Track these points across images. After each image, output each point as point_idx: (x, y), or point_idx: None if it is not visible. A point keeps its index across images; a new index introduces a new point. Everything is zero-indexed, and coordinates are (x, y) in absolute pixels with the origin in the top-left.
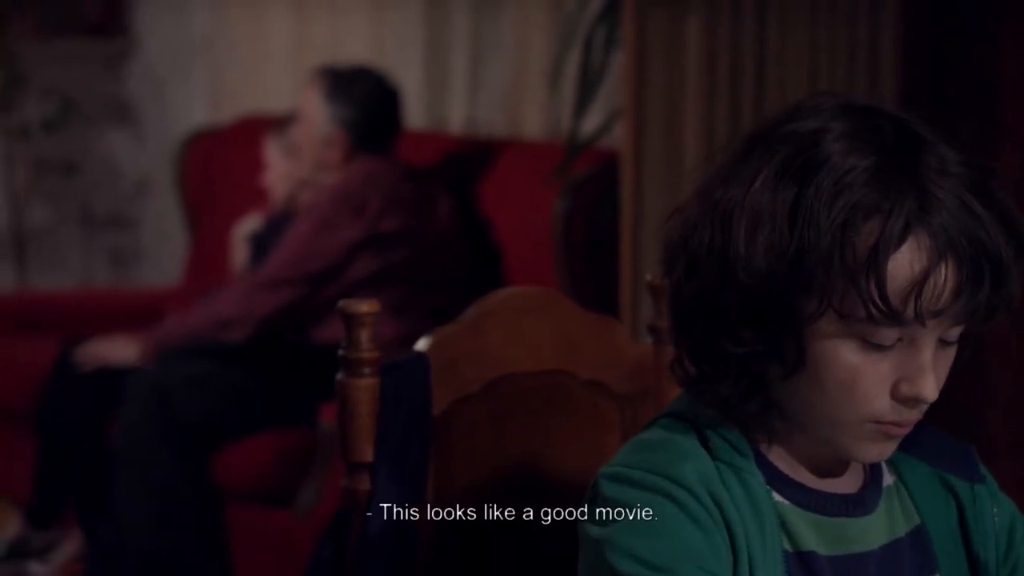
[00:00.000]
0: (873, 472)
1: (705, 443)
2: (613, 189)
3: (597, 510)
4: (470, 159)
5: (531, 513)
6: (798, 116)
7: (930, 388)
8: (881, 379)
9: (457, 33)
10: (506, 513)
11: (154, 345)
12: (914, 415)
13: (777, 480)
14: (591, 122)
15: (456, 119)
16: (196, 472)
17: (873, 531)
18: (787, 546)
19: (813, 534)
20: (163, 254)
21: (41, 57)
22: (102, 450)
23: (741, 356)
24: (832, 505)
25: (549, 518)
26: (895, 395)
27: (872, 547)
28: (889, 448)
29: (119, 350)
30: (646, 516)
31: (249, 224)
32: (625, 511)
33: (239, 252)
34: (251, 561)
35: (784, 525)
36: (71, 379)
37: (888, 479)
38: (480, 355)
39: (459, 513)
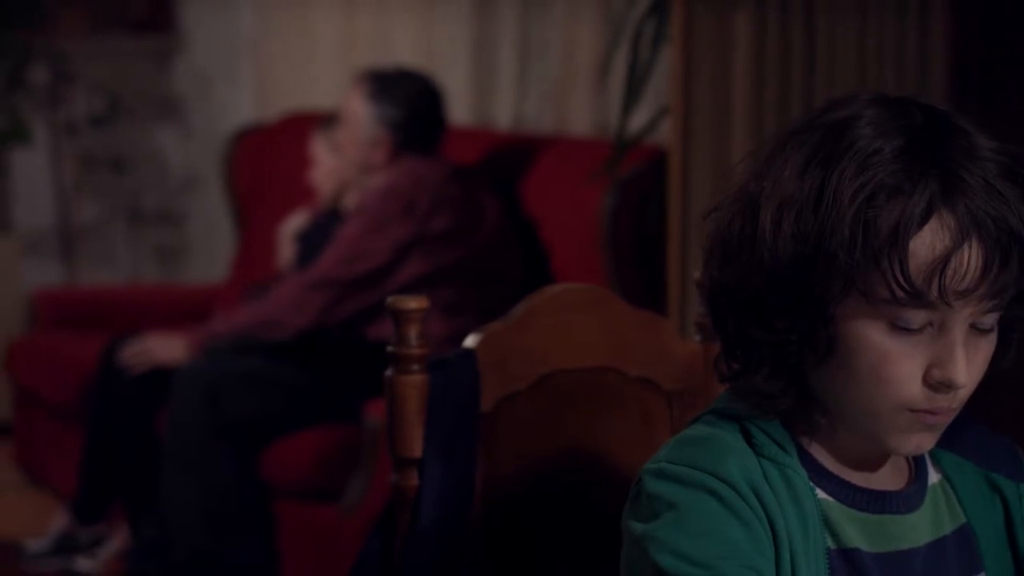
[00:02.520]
0: (918, 469)
1: (748, 439)
2: (661, 186)
3: (640, 506)
4: (517, 156)
5: (579, 510)
6: (832, 108)
7: (961, 373)
8: (912, 364)
9: (504, 30)
10: (554, 510)
11: (201, 343)
12: (947, 402)
13: (821, 476)
14: (639, 119)
15: (503, 116)
16: (244, 468)
17: (919, 528)
18: (830, 543)
19: (857, 531)
20: (210, 251)
21: (89, 54)
22: (149, 446)
23: (774, 345)
24: (877, 502)
25: (597, 515)
26: (927, 380)
27: (918, 544)
28: (928, 440)
29: (167, 348)
30: (689, 512)
31: (296, 221)
32: (668, 507)
33: (286, 249)
34: (298, 557)
35: (828, 522)
36: (119, 375)
37: (933, 477)
38: (528, 352)
39: (507, 510)
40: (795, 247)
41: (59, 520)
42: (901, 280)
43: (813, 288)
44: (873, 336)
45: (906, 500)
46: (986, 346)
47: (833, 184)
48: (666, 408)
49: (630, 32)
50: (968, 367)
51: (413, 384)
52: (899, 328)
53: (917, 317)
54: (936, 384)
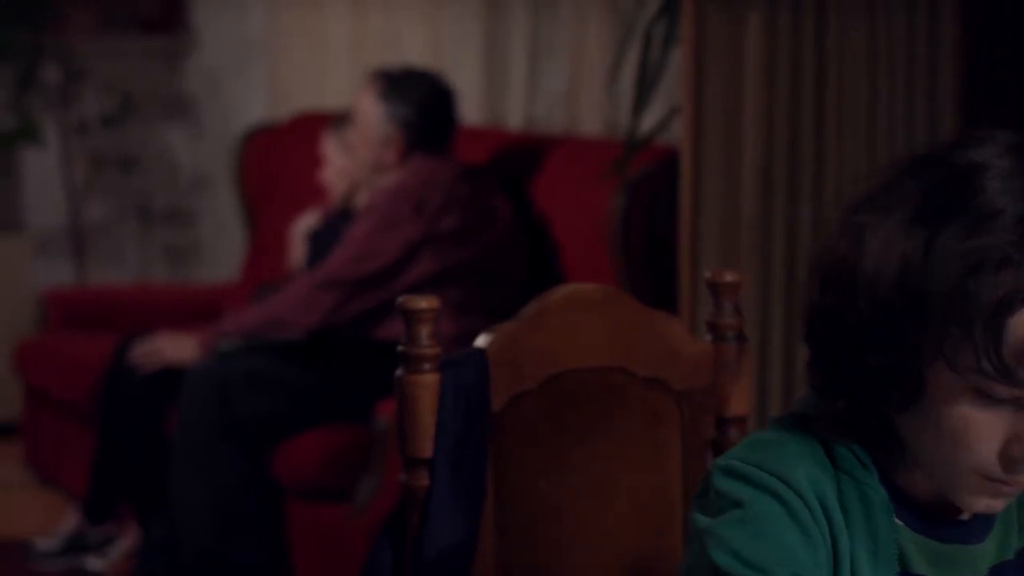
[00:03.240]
0: None
1: (828, 450)
2: (671, 186)
3: (707, 501)
4: (528, 156)
5: (589, 509)
6: (964, 145)
7: None
8: (992, 434)
9: (515, 30)
10: (564, 509)
11: (211, 342)
12: None
13: (897, 500)
14: (649, 119)
15: (514, 116)
16: (254, 468)
17: (984, 557)
18: (897, 568)
19: (925, 559)
20: (221, 250)
21: (100, 53)
22: (159, 445)
23: (861, 378)
24: (948, 532)
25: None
26: (1005, 453)
27: (981, 572)
28: (998, 504)
29: (176, 348)
30: (752, 513)
31: (307, 221)
32: (733, 505)
33: (297, 249)
34: (308, 556)
35: (899, 548)
36: (129, 375)
37: None
38: (539, 352)
39: (517, 509)
40: (894, 292)
41: (69, 519)
42: (993, 357)
43: (905, 338)
44: (958, 400)
45: (973, 529)
46: None
47: (943, 240)
48: (676, 408)
49: (641, 32)
50: None
51: (424, 384)
52: (984, 397)
53: (1003, 390)
54: (1013, 460)
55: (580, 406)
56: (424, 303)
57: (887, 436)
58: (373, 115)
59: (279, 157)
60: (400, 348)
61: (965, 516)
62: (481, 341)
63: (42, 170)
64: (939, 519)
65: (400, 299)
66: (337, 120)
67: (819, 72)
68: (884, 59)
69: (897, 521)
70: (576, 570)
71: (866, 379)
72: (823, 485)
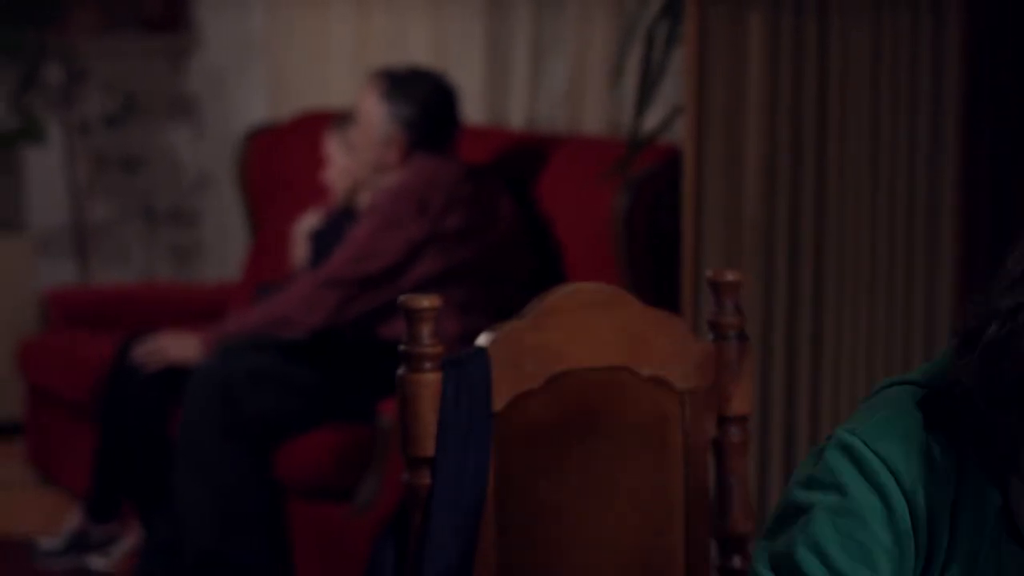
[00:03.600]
0: None
1: (959, 445)
2: (674, 185)
3: (814, 468)
4: (531, 156)
5: (591, 507)
6: None
7: None
8: None
9: (518, 30)
10: (566, 507)
11: (215, 342)
12: None
13: (1010, 523)
14: (652, 119)
15: (517, 116)
16: (257, 467)
17: None
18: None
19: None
20: (224, 249)
21: (102, 53)
22: (162, 444)
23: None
24: None
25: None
26: None
27: None
28: None
29: (180, 347)
30: (851, 506)
31: (309, 220)
32: (835, 488)
33: (299, 248)
34: (310, 556)
35: (999, 564)
36: (132, 374)
37: None
38: (542, 351)
39: (520, 507)
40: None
41: (72, 519)
42: None
43: None
44: None
45: None
46: None
47: None
48: (678, 407)
49: (643, 32)
50: None
51: (426, 383)
52: None
53: None
54: None
55: (582, 405)
56: (426, 302)
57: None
58: (376, 115)
59: (282, 156)
60: (402, 347)
61: None
62: (483, 340)
63: (45, 170)
64: None
65: (402, 298)
66: (340, 119)
67: (821, 72)
68: (887, 59)
69: (1010, 543)
70: (577, 569)
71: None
72: (937, 485)
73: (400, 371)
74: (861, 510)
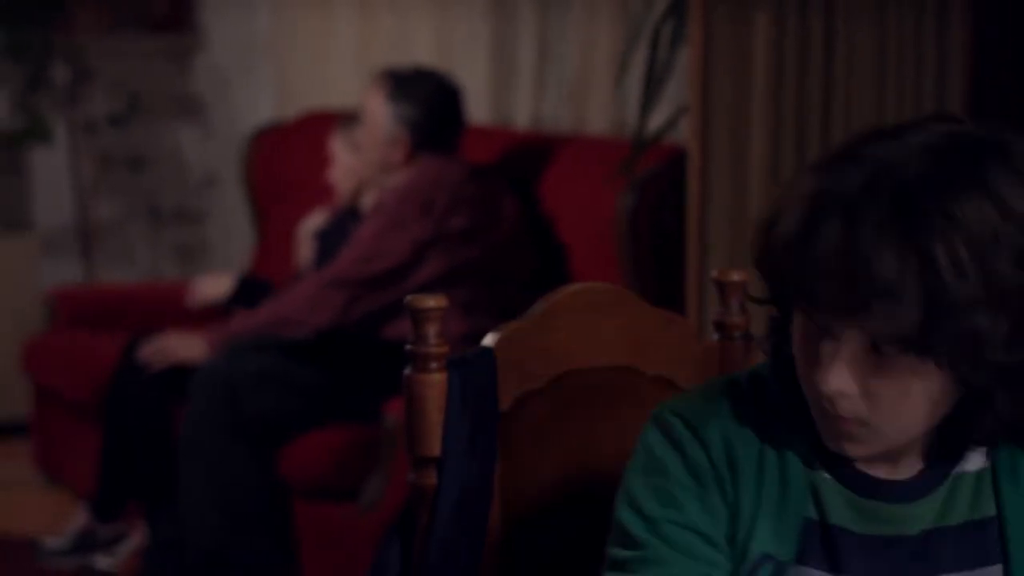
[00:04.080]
0: (940, 460)
1: (763, 403)
2: (679, 185)
3: (636, 450)
4: (535, 156)
5: (596, 508)
6: None
7: (831, 380)
8: (814, 361)
9: (523, 30)
10: (571, 508)
11: (220, 342)
12: (841, 411)
13: (826, 456)
14: (657, 119)
15: (522, 116)
16: (262, 467)
17: (916, 517)
18: (813, 515)
19: (848, 511)
20: (229, 249)
21: (108, 52)
22: (167, 444)
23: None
24: (872, 488)
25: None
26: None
27: (911, 532)
28: (851, 448)
29: (185, 347)
30: (661, 465)
31: (314, 220)
32: (644, 451)
33: (304, 248)
34: (316, 556)
35: (818, 496)
36: (137, 374)
37: (972, 465)
38: (546, 351)
39: (525, 508)
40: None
41: (77, 518)
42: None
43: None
44: (797, 323)
45: (905, 490)
46: (896, 377)
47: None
48: None
49: (648, 32)
50: (842, 378)
51: (432, 383)
52: (809, 323)
53: (820, 319)
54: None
55: (587, 405)
56: (432, 302)
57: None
58: (380, 115)
59: (286, 156)
60: (408, 347)
61: (906, 475)
62: (489, 340)
63: (51, 169)
64: (868, 478)
65: (408, 298)
66: (345, 119)
67: (826, 72)
68: (892, 60)
69: (827, 476)
70: (582, 569)
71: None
72: (740, 441)
73: (406, 371)
74: (663, 463)
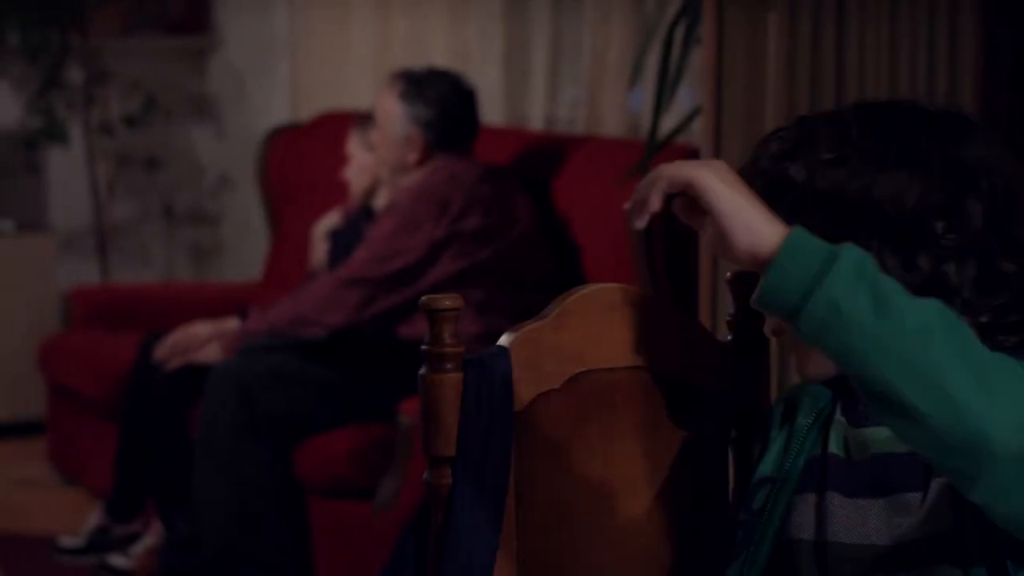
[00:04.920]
0: None
1: None
2: None
3: None
4: (550, 156)
5: (610, 508)
6: None
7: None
8: None
9: (537, 32)
10: (586, 508)
11: (235, 341)
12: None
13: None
14: (670, 120)
15: (536, 117)
16: (277, 466)
17: (872, 440)
18: (817, 451)
19: (841, 440)
20: (244, 249)
21: (124, 53)
22: (183, 443)
23: None
24: (862, 414)
25: (628, 513)
26: None
27: (863, 455)
28: (798, 371)
29: (201, 349)
30: None
31: (329, 221)
32: None
33: (319, 249)
34: (331, 555)
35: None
36: (153, 373)
37: None
38: (561, 351)
39: (540, 508)
40: None
41: (93, 517)
42: None
43: None
44: None
45: (872, 413)
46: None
47: None
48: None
49: (661, 33)
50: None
51: (447, 383)
52: None
53: None
54: None
55: (602, 405)
56: (447, 302)
57: None
58: (395, 115)
59: (302, 157)
60: (423, 347)
61: None
62: (504, 340)
63: (67, 170)
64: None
65: (423, 298)
66: (361, 120)
67: (839, 73)
68: (904, 60)
69: (839, 418)
70: (597, 568)
71: None
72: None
73: (421, 371)
74: None
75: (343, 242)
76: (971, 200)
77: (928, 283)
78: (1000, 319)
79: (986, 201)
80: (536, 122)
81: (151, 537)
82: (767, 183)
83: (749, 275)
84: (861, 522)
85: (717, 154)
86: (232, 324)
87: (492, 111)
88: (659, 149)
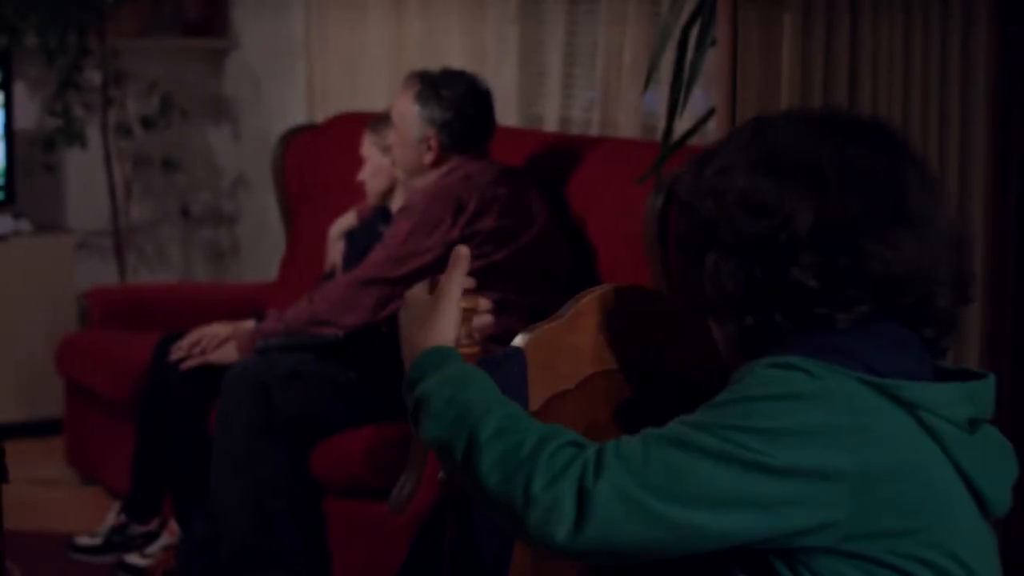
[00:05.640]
0: None
1: None
2: None
3: None
4: (565, 157)
5: None
6: None
7: None
8: None
9: (552, 33)
10: None
11: (252, 342)
12: None
13: None
14: (685, 121)
15: (551, 118)
16: (294, 465)
17: None
18: None
19: None
20: (260, 250)
21: (141, 55)
22: (200, 443)
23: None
24: None
25: None
26: None
27: None
28: None
29: (218, 350)
30: None
31: (345, 221)
32: None
33: (335, 249)
34: (347, 554)
35: None
36: (170, 372)
37: None
38: (576, 351)
39: None
40: None
41: (110, 516)
42: None
43: None
44: None
45: None
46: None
47: None
48: None
49: (676, 34)
50: None
51: None
52: None
53: None
54: None
55: (616, 404)
56: (463, 303)
57: None
58: (410, 116)
59: (318, 158)
60: None
61: None
62: (519, 340)
63: (84, 170)
64: None
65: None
66: (376, 121)
67: (853, 74)
68: (918, 61)
69: None
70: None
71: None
72: None
73: None
74: None
75: (359, 243)
76: (799, 202)
77: (772, 291)
78: (843, 306)
79: (816, 200)
80: (551, 123)
81: (168, 536)
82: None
83: None
84: None
85: None
86: (248, 325)
87: (507, 112)
88: (674, 150)
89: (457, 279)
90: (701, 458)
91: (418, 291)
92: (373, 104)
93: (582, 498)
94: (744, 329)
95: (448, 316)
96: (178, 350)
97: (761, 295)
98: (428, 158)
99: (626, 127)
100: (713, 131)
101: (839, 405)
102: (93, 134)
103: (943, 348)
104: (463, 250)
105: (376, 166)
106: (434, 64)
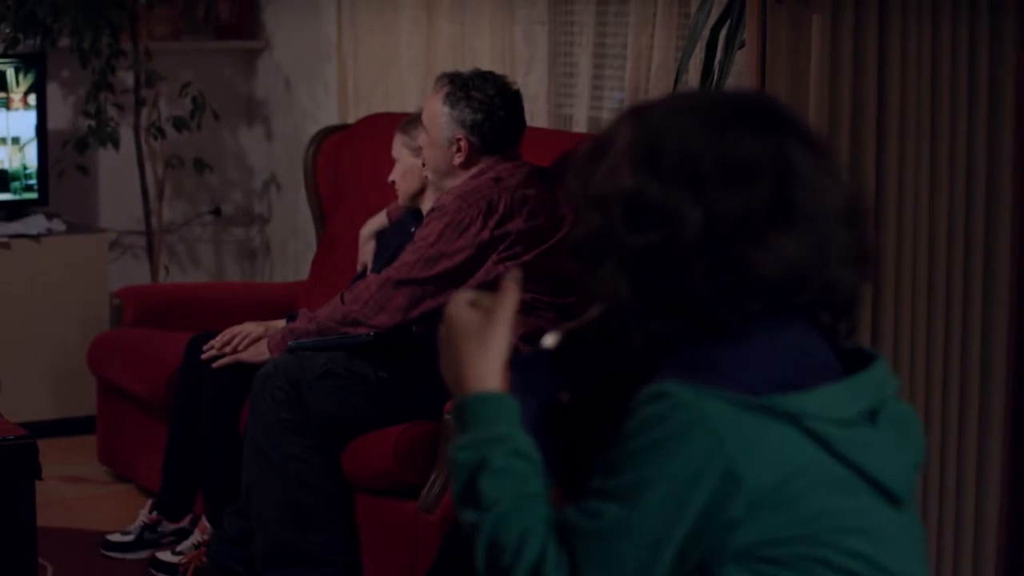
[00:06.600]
0: None
1: None
2: None
3: None
4: None
5: None
6: None
7: None
8: None
9: (582, 35)
10: None
11: (283, 341)
12: None
13: None
14: None
15: (580, 119)
16: (326, 464)
17: None
18: None
19: None
20: (292, 250)
21: (174, 56)
22: (232, 441)
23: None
24: None
25: None
26: None
27: None
28: None
29: (249, 349)
30: None
31: (376, 222)
32: None
33: (365, 250)
34: (379, 552)
35: None
36: (202, 372)
37: None
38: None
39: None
40: None
41: (142, 513)
42: None
43: None
44: None
45: None
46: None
47: None
48: None
49: (705, 36)
50: None
51: None
52: None
53: None
54: None
55: None
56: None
57: None
58: (441, 118)
59: (349, 159)
60: None
61: None
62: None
63: (117, 171)
64: None
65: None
66: (407, 122)
67: (881, 74)
68: (945, 60)
69: None
70: None
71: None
72: None
73: None
74: None
75: (390, 243)
76: (684, 208)
77: (669, 300)
78: (739, 312)
79: (699, 205)
80: (580, 124)
81: (199, 534)
82: None
83: None
84: None
85: None
86: (280, 324)
87: (537, 113)
88: None
89: (511, 307)
90: (622, 536)
91: (460, 309)
92: (404, 105)
93: None
94: (650, 336)
95: (500, 344)
96: (210, 349)
97: (659, 304)
98: (458, 159)
99: None
100: None
101: (714, 437)
102: (126, 135)
103: (848, 330)
104: (517, 275)
105: (407, 167)
106: (465, 66)
